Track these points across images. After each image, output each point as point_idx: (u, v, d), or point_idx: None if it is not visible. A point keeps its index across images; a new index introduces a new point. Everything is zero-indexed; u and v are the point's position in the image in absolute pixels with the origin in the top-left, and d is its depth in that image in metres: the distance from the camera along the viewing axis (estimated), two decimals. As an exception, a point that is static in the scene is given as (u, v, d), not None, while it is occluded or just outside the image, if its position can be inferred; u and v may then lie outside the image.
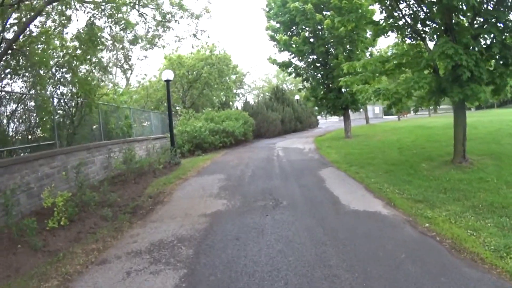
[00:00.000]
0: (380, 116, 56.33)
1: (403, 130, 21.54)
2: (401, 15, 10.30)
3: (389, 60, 10.10)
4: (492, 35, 8.95)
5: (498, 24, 8.88)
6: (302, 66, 22.45)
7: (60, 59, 10.46)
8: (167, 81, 15.78)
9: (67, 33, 10.24)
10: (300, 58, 21.90)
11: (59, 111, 11.13)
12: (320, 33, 20.40)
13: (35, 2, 9.25)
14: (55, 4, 9.52)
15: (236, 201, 8.12)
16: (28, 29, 9.24)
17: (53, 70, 10.57)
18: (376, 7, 11.48)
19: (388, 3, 10.14)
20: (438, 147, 13.22)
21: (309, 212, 6.88)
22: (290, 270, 4.38)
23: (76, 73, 9.92)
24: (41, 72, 9.40)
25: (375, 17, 11.63)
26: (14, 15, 9.29)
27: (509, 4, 8.81)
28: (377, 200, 7.46)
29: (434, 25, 10.04)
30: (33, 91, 9.51)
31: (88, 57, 9.38)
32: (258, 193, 8.76)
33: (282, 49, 21.45)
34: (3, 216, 6.46)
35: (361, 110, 25.76)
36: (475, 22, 9.43)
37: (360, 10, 11.34)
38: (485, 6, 9.13)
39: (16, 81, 9.63)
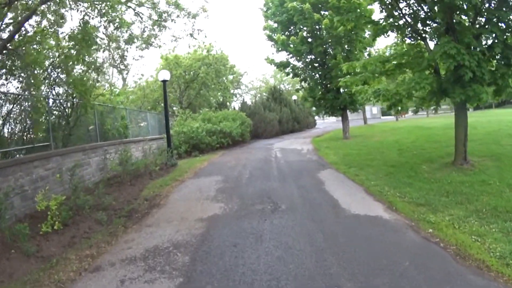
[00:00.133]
0: (377, 117, 56.19)
1: (402, 131, 21.40)
2: (401, 15, 10.15)
3: (389, 60, 9.94)
4: (494, 35, 8.80)
5: (500, 24, 8.75)
6: (300, 66, 22.30)
7: (55, 59, 10.31)
8: (164, 81, 15.60)
9: (62, 33, 10.09)
10: (298, 58, 21.74)
11: (55, 112, 11.01)
12: (318, 33, 20.27)
13: (30, 2, 9.05)
14: (50, 3, 9.33)
15: (234, 204, 7.95)
16: (23, 29, 9.09)
17: (48, 70, 10.42)
18: (376, 6, 11.35)
19: (388, 2, 9.98)
20: (438, 148, 13.07)
21: (308, 216, 6.71)
22: (290, 280, 4.21)
23: (70, 73, 9.72)
24: (35, 72, 9.24)
25: (374, 16, 11.48)
26: (10, 15, 9.14)
27: (510, 4, 8.67)
28: (377, 203, 7.29)
29: (435, 24, 9.91)
30: (27, 91, 9.32)
31: (81, 56, 9.14)
32: (256, 195, 8.59)
33: (280, 49, 21.31)
34: (-3, 220, 6.27)
35: (359, 110, 25.58)
36: (476, 22, 9.28)
37: (358, 10, 11.18)
38: (487, 5, 9.00)
39: (11, 82, 9.49)
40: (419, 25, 10.17)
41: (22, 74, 9.40)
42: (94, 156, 11.47)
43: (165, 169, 13.93)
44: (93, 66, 10.21)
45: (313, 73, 21.78)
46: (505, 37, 8.67)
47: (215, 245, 5.52)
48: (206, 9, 12.63)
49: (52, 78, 10.71)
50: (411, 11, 10.22)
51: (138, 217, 7.65)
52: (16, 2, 8.82)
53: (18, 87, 9.57)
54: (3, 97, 8.59)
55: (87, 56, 9.88)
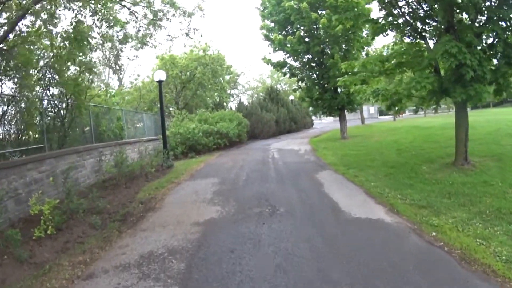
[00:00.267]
0: (375, 116, 56.26)
1: (400, 131, 21.27)
2: (400, 13, 10.00)
3: (389, 59, 9.77)
4: (495, 34, 8.66)
5: (501, 23, 8.62)
6: (297, 66, 22.15)
7: (50, 59, 10.12)
8: (160, 81, 15.38)
9: (56, 32, 9.89)
10: (295, 58, 21.58)
11: (49, 113, 10.89)
12: (315, 32, 20.10)
13: (24, 2, 8.85)
14: (44, 2, 9.13)
15: (231, 207, 7.73)
16: (18, 29, 8.91)
17: (43, 71, 10.24)
18: (374, 5, 11.22)
19: (387, 0, 9.81)
20: (438, 148, 12.94)
21: (308, 220, 6.51)
22: (290, 288, 4.02)
23: (61, 74, 9.51)
24: (29, 72, 9.05)
25: (373, 15, 11.36)
26: (4, 15, 8.97)
27: (511, 2, 8.53)
28: (378, 206, 7.11)
29: (434, 23, 9.77)
30: (18, 92, 9.14)
31: (73, 56, 8.94)
32: (253, 198, 8.37)
33: (277, 48, 21.13)
34: (-10, 224, 6.14)
35: (357, 110, 25.47)
36: (476, 20, 9.14)
37: (356, 9, 11.03)
38: (488, 3, 8.87)
39: (5, 83, 9.34)
40: (419, 24, 10.03)
41: (17, 75, 9.22)
42: (89, 158, 11.31)
43: (161, 171, 13.72)
44: (84, 66, 9.97)
45: (311, 73, 21.63)
46: (505, 35, 8.55)
47: (212, 251, 5.32)
48: (202, 7, 12.47)
49: (47, 79, 10.54)
50: (410, 9, 10.08)
51: (133, 221, 7.44)
52: (10, 2, 8.64)
53: (12, 88, 9.47)
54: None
55: (80, 56, 9.72)
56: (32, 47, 9.41)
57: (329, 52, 20.17)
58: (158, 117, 20.06)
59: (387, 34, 10.52)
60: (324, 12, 19.32)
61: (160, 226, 6.85)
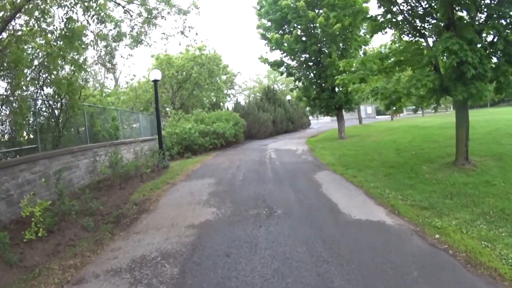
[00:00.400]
0: (372, 116, 56.25)
1: (398, 130, 21.16)
2: (399, 11, 9.85)
3: (388, 57, 9.59)
4: (495, 31, 8.51)
5: (501, 21, 8.50)
6: (294, 65, 21.99)
7: (44, 58, 9.90)
8: (155, 81, 15.17)
9: (49, 31, 9.65)
10: (292, 57, 21.42)
11: (44, 113, 10.74)
12: (312, 31, 19.93)
13: (18, 1, 8.64)
14: (37, 1, 8.92)
15: (227, 209, 7.51)
16: (12, 28, 8.70)
17: (37, 70, 10.03)
18: (372, 4, 11.06)
19: (386, -3, 9.66)
20: (437, 147, 12.80)
21: (306, 222, 6.29)
22: (289, 296, 3.81)
23: (52, 72, 9.28)
24: (21, 71, 8.83)
25: (370, 13, 11.13)
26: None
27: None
28: (379, 207, 6.91)
29: (434, 21, 9.62)
30: (10, 92, 8.94)
31: (63, 53, 8.71)
32: (250, 199, 8.15)
33: (274, 48, 20.95)
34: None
35: (355, 110, 25.36)
36: (476, 18, 8.99)
37: (353, 8, 10.87)
38: (488, 1, 8.76)
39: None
40: (418, 21, 9.89)
41: (10, 74, 9.02)
42: (83, 159, 11.15)
43: (156, 171, 13.52)
44: (74, 64, 9.73)
45: (308, 72, 21.46)
46: (506, 33, 8.41)
47: (207, 255, 5.10)
48: (198, 5, 12.26)
49: (41, 79, 10.35)
50: (409, 7, 9.92)
51: (126, 223, 7.22)
52: (4, 1, 8.43)
53: (6, 88, 9.29)
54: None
55: (73, 54, 9.51)
56: (25, 46, 9.18)
57: (326, 51, 20.01)
58: (154, 117, 19.85)
59: (386, 32, 10.41)
60: (321, 11, 19.17)
61: (154, 228, 6.64)
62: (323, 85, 20.75)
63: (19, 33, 9.05)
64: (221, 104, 34.56)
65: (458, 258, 4.50)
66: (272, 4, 20.51)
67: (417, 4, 9.86)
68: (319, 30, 19.26)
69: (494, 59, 9.04)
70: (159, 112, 15.70)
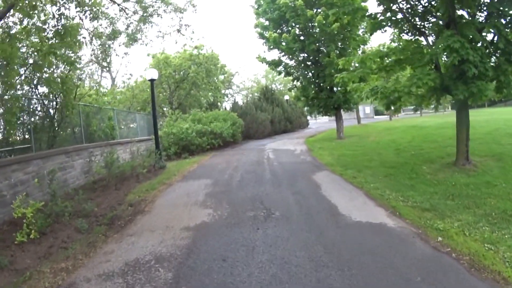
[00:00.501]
0: (371, 116, 56.20)
1: (397, 130, 21.03)
2: (398, 9, 9.72)
3: (388, 55, 9.44)
4: (496, 30, 8.38)
5: (501, 20, 8.41)
6: (293, 65, 21.86)
7: (34, 56, 9.72)
8: (152, 80, 14.99)
9: (43, 28, 9.46)
10: (290, 56, 21.26)
11: (39, 113, 10.60)
12: (311, 30, 19.78)
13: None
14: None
15: (223, 210, 7.33)
16: (6, 25, 8.54)
17: (31, 69, 9.85)
18: (370, 3, 10.94)
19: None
20: (437, 147, 12.68)
21: (305, 224, 6.11)
22: (287, 303, 3.65)
23: (42, 70, 9.09)
24: (11, 70, 8.63)
25: (370, 11, 11.01)
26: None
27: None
28: (380, 209, 6.75)
29: (434, 19, 9.51)
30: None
31: (53, 50, 8.52)
32: (247, 201, 7.97)
33: (272, 47, 20.79)
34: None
35: (353, 109, 25.24)
36: (476, 16, 8.87)
37: (352, 6, 10.73)
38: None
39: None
40: (417, 20, 9.77)
41: (1, 73, 8.83)
42: (78, 159, 10.98)
43: (153, 172, 13.35)
44: (65, 61, 9.54)
45: (306, 72, 21.29)
46: (506, 32, 8.33)
47: (202, 259, 4.92)
48: (194, 3, 12.10)
49: (36, 77, 10.19)
50: (409, 5, 9.80)
51: (121, 224, 7.04)
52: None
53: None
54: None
55: (67, 52, 9.33)
56: (18, 44, 8.99)
57: (325, 50, 19.87)
58: (151, 117, 19.70)
59: (385, 31, 10.32)
60: (319, 9, 19.02)
61: (148, 230, 6.46)
62: (321, 84, 20.60)
63: (13, 31, 8.88)
64: (219, 104, 34.44)
65: (461, 261, 4.39)
66: (270, 3, 20.37)
67: (416, 3, 9.74)
68: (318, 29, 19.09)
69: (493, 58, 8.95)
70: (156, 111, 15.53)
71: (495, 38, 8.60)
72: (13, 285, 4.63)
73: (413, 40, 9.91)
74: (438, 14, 9.17)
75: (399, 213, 6.31)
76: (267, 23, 21.38)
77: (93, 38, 10.73)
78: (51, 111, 11.01)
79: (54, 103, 10.96)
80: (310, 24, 19.50)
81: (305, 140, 23.57)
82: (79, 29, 9.50)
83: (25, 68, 9.69)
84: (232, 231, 6.03)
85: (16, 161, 8.01)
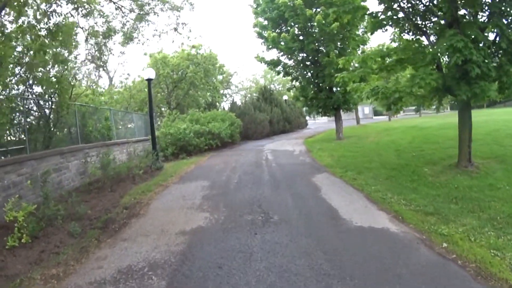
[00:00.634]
0: (369, 117, 56.08)
1: (396, 131, 20.84)
2: (399, 8, 9.56)
3: (390, 55, 9.26)
4: (498, 30, 8.23)
5: (503, 20, 8.25)
6: (291, 65, 21.66)
7: (25, 55, 9.52)
8: (149, 79, 14.78)
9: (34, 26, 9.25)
10: (289, 56, 21.08)
11: (35, 113, 10.47)
12: (310, 30, 19.57)
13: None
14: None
15: (220, 214, 7.12)
16: (2, 24, 8.36)
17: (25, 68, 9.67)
18: (369, 3, 10.79)
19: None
20: (437, 149, 12.47)
21: (305, 230, 5.91)
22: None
23: (32, 69, 8.89)
24: (6, 67, 8.45)
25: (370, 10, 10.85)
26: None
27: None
28: (381, 212, 6.57)
29: (435, 18, 9.35)
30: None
31: (43, 48, 8.32)
32: (245, 204, 7.77)
33: (270, 46, 20.58)
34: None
35: (352, 110, 25.05)
36: (478, 15, 8.71)
37: (353, 4, 10.56)
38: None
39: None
40: (418, 19, 9.62)
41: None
42: (73, 160, 10.77)
43: (149, 173, 13.13)
44: (55, 59, 9.33)
45: (305, 72, 21.11)
46: (509, 32, 8.15)
47: (197, 267, 4.72)
48: (192, 1, 11.84)
49: (30, 77, 9.97)
50: (410, 4, 9.64)
51: (115, 228, 6.84)
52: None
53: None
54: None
55: (63, 50, 9.15)
56: (13, 43, 8.80)
57: (324, 50, 19.67)
58: (148, 117, 19.56)
59: (386, 30, 10.14)
60: (319, 9, 18.85)
61: (142, 235, 6.26)
62: (320, 84, 20.42)
63: (8, 30, 8.69)
64: (217, 104, 34.23)
65: (467, 269, 4.24)
66: (268, 2, 20.16)
67: (417, 2, 9.59)
68: (317, 28, 18.86)
69: (495, 59, 8.80)
70: (153, 111, 15.33)
71: (497, 39, 8.46)
72: (3, 292, 4.41)
73: (414, 39, 9.76)
74: (440, 13, 9.03)
75: (402, 217, 6.14)
76: (266, 22, 21.18)
77: (88, 36, 10.53)
78: (47, 111, 10.83)
79: (50, 103, 10.77)
80: (309, 24, 19.29)
81: (304, 140, 23.40)
82: (75, 28, 9.34)
83: (20, 67, 9.51)
84: (229, 236, 5.83)
85: (9, 162, 7.82)
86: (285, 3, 18.74)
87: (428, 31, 9.60)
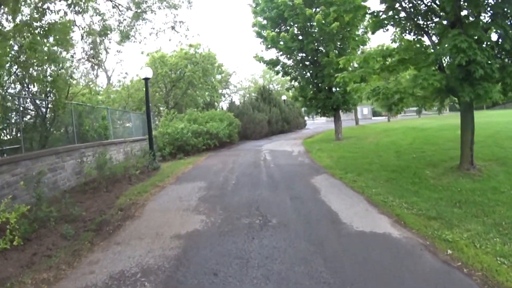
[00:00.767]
0: (368, 117, 55.94)
1: (396, 132, 20.66)
2: (401, 7, 9.41)
3: (392, 54, 9.09)
4: (502, 30, 8.08)
5: (506, 21, 8.13)
6: (291, 64, 21.55)
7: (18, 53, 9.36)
8: (146, 79, 14.63)
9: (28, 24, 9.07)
10: (289, 55, 20.96)
11: (31, 112, 10.33)
12: (310, 29, 19.42)
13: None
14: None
15: (217, 217, 6.93)
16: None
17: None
18: (369, 3, 10.63)
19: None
20: (438, 150, 12.29)
21: (304, 234, 5.72)
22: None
23: (25, 67, 8.70)
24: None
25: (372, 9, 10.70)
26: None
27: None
28: (383, 216, 6.38)
29: (437, 19, 9.21)
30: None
31: (33, 45, 8.13)
32: (242, 206, 7.58)
33: (270, 46, 20.47)
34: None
35: (352, 110, 24.93)
36: (481, 16, 8.56)
37: (354, 3, 10.41)
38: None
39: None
40: (420, 19, 9.48)
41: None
42: (69, 159, 10.59)
43: (146, 173, 12.96)
44: (47, 57, 9.14)
45: (304, 72, 20.98)
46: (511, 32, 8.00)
47: (192, 273, 4.53)
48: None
49: (27, 76, 9.81)
50: (411, 4, 9.49)
51: (109, 231, 6.65)
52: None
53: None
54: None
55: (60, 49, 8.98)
56: (10, 42, 8.65)
57: (323, 50, 19.54)
58: (146, 116, 19.38)
59: (387, 29, 9.99)
60: (319, 9, 18.69)
61: (137, 238, 6.07)
62: (320, 85, 20.29)
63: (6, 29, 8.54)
64: (216, 103, 34.06)
65: (474, 277, 4.07)
66: (268, 1, 20.01)
67: (419, 2, 9.44)
68: (317, 28, 18.71)
69: (499, 60, 8.64)
70: (150, 111, 15.16)
71: (500, 40, 8.33)
72: (-7, 296, 4.24)
73: (415, 40, 9.62)
74: (442, 13, 8.88)
75: (404, 222, 5.96)
76: (265, 22, 21.05)
77: (84, 34, 10.34)
78: (43, 110, 10.68)
79: (46, 102, 10.61)
80: (309, 24, 19.15)
81: (302, 141, 23.26)
82: (71, 26, 9.17)
83: (16, 66, 9.36)
84: (225, 240, 5.64)
85: (4, 162, 7.67)
86: (284, 3, 18.62)
87: (430, 31, 9.45)
